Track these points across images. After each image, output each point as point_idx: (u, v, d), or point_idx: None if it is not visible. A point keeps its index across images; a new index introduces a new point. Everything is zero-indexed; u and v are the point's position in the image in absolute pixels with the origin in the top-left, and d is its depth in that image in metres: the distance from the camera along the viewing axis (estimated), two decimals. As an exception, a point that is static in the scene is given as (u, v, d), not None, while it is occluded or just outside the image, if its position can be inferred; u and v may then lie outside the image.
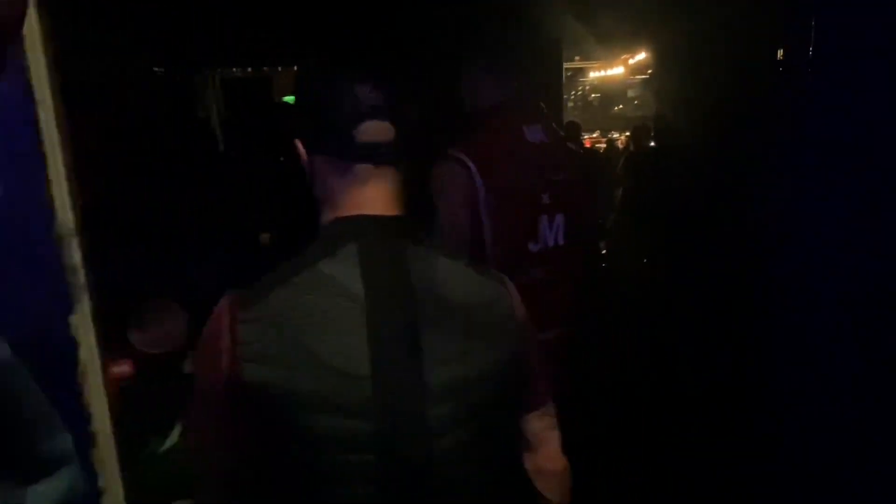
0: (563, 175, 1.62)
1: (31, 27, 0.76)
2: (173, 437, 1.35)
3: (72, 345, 0.81)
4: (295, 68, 4.06)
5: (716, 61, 3.11)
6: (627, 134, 8.84)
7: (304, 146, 0.81)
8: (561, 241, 1.63)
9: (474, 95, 1.65)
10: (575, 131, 5.96)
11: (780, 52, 1.79)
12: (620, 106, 17.61)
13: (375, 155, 0.75)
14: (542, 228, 1.59)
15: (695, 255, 2.98)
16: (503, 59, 1.66)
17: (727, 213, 2.57)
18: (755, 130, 2.24)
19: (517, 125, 1.59)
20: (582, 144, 6.84)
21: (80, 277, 0.81)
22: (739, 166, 2.46)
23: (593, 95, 18.88)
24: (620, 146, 8.54)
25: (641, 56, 10.80)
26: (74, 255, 0.80)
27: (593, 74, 14.39)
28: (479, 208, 1.49)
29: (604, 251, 4.31)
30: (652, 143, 5.00)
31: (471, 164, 1.48)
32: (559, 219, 1.62)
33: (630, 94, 17.33)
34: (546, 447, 0.88)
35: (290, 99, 4.95)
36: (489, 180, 1.49)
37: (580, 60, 12.37)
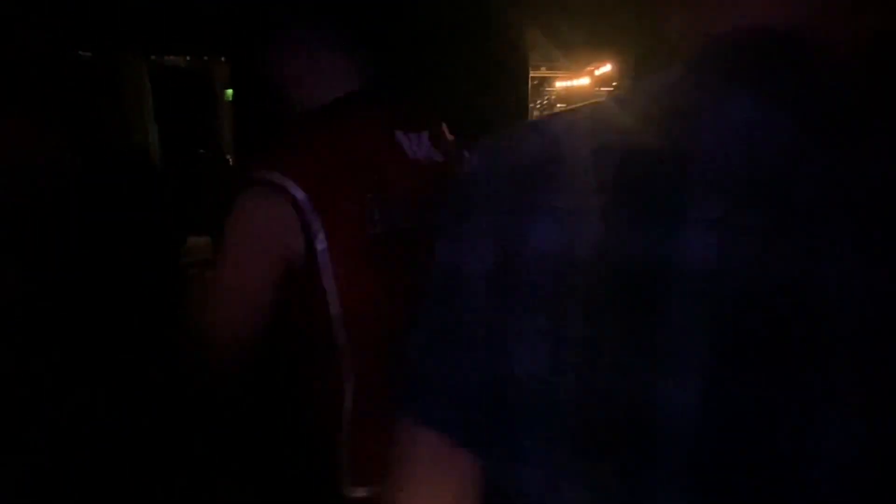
0: None
1: None
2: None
3: None
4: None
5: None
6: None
7: None
8: None
9: (305, 85, 0.98)
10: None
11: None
12: (586, 116, 15.97)
13: None
14: None
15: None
16: (362, 22, 1.00)
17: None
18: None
19: (385, 128, 0.97)
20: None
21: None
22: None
23: (559, 105, 16.07)
24: None
25: (607, 68, 10.77)
26: None
27: (559, 84, 13.91)
28: (316, 271, 0.87)
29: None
30: None
31: (297, 191, 0.84)
32: None
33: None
34: None
35: (230, 92, 4.81)
36: (335, 219, 0.86)
37: (546, 70, 11.81)
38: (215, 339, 0.89)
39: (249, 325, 0.89)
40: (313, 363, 0.97)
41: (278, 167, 0.87)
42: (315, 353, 0.96)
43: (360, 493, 0.96)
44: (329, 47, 0.98)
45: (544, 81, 15.84)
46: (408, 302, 0.93)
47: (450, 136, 1.11)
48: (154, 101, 4.95)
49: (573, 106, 0.52)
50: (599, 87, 15.24)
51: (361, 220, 0.90)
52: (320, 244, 0.87)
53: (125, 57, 4.65)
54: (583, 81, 13.27)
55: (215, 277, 0.90)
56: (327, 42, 0.98)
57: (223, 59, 5.13)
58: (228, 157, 4.85)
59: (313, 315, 0.91)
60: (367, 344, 0.93)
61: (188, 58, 5.23)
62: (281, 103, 1.01)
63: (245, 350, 0.89)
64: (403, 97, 1.05)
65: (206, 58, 5.21)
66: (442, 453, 0.46)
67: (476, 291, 0.43)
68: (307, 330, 0.94)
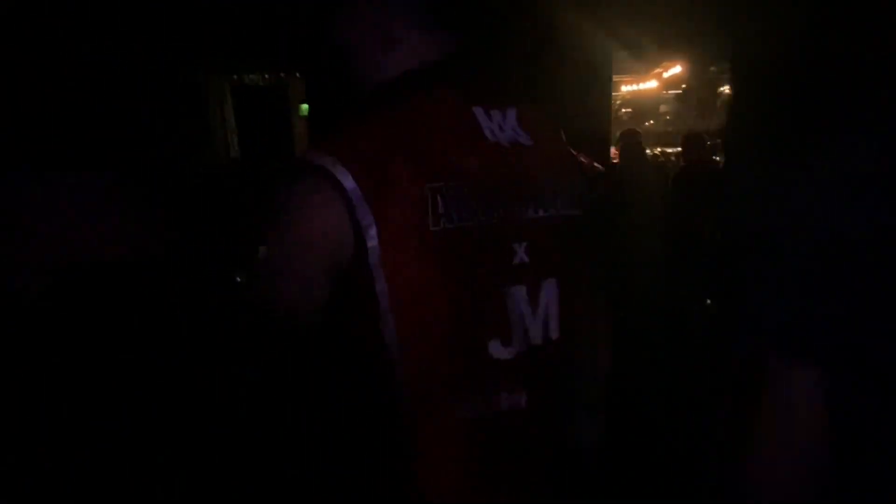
0: (554, 208, 0.88)
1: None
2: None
3: None
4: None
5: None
6: (660, 150, 8.42)
7: None
8: (555, 335, 0.88)
9: (378, 60, 0.86)
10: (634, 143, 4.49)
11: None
12: (651, 122, 16.14)
13: None
14: (517, 311, 0.84)
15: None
16: None
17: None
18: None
19: (462, 104, 0.84)
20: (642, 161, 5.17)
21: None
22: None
23: (623, 110, 16.33)
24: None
25: (676, 70, 10.20)
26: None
27: (625, 88, 13.40)
28: (367, 271, 0.75)
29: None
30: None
31: (347, 180, 0.74)
32: (549, 291, 0.87)
33: (662, 108, 16.43)
34: None
35: (305, 107, 5.30)
36: (389, 212, 0.75)
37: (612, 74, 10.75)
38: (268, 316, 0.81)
39: (296, 315, 0.81)
40: (365, 380, 0.83)
41: (331, 151, 0.76)
42: (366, 370, 0.82)
43: None
44: (403, 15, 0.87)
45: (609, 86, 16.25)
46: (485, 307, 0.80)
47: (545, 116, 0.96)
48: (235, 115, 5.33)
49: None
50: (667, 89, 15.35)
51: (421, 213, 0.76)
52: (371, 240, 0.74)
53: (210, 76, 5.05)
54: (650, 84, 13.12)
55: (263, 265, 0.82)
56: (401, 9, 0.86)
57: (298, 75, 5.48)
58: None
59: (365, 325, 0.78)
60: (426, 362, 0.79)
61: (266, 76, 5.59)
62: (355, 88, 0.91)
63: (299, 328, 0.81)
64: (487, 69, 0.90)
65: (282, 74, 5.54)
66: (803, 377, 0.61)
67: (865, 251, 0.57)
68: (358, 343, 0.81)
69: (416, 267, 0.76)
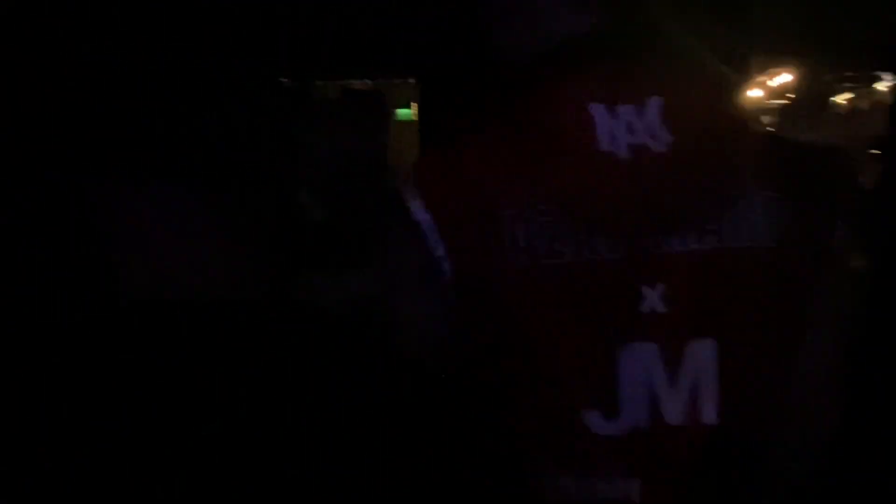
0: (718, 238, 0.64)
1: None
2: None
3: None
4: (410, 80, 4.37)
5: None
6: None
7: None
8: (710, 417, 0.64)
9: (508, 50, 0.73)
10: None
11: None
12: (752, 132, 16.58)
13: None
14: (635, 375, 0.64)
15: None
16: None
17: None
18: None
19: (577, 103, 0.65)
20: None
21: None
22: None
23: None
24: None
25: (785, 78, 9.61)
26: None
27: None
28: (446, 311, 0.66)
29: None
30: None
31: (420, 213, 0.64)
32: (700, 353, 0.64)
33: (765, 119, 12.83)
34: None
35: (405, 112, 5.51)
36: (460, 245, 0.64)
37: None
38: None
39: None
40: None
41: (413, 175, 0.67)
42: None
43: None
44: None
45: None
46: (584, 368, 0.65)
47: (718, 101, 0.70)
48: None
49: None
50: (772, 99, 14.58)
51: (497, 246, 0.63)
52: (446, 277, 0.64)
53: (316, 82, 5.30)
54: (754, 94, 12.71)
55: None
56: None
57: (395, 81, 5.65)
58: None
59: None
60: (502, 425, 0.68)
61: (367, 81, 5.81)
62: (480, 89, 0.79)
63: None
64: (626, 51, 0.67)
65: (374, 81, 5.73)
66: None
67: None
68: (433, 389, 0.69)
69: (490, 311, 0.64)
